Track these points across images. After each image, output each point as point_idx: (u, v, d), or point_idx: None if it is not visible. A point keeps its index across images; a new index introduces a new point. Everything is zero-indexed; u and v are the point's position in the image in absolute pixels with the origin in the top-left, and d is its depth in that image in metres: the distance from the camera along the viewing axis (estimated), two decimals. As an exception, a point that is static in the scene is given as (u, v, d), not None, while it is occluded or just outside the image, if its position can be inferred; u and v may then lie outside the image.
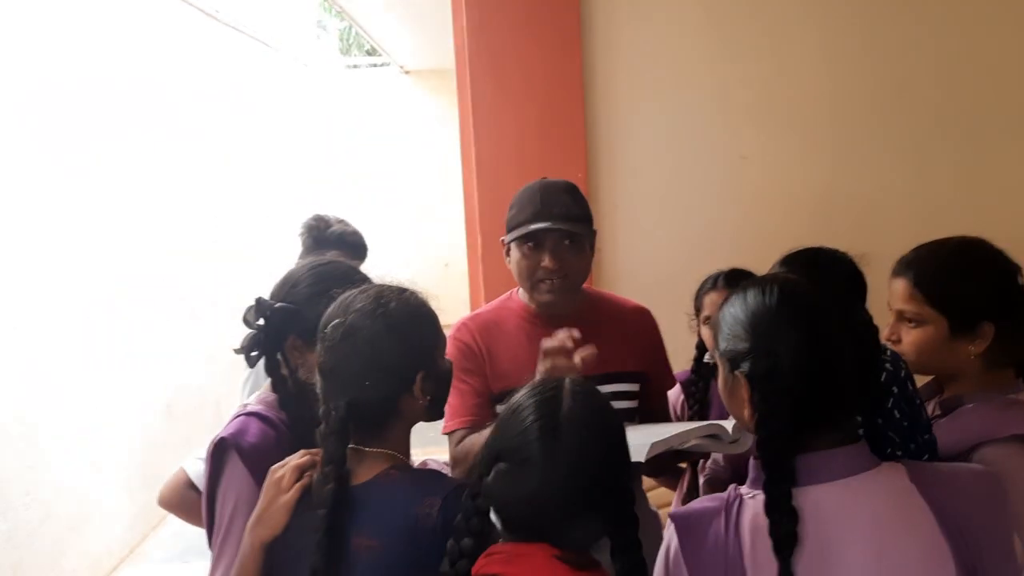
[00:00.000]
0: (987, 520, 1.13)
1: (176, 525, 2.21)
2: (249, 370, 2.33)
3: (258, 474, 1.41)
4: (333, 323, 1.35)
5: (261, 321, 1.51)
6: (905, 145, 2.58)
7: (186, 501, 1.98)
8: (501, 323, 1.94)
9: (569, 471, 1.12)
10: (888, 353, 1.54)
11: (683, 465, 2.09)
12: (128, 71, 4.51)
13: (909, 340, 1.54)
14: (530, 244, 1.83)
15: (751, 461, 1.19)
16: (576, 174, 2.65)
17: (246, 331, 1.53)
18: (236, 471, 1.46)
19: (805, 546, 1.09)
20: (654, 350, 2.02)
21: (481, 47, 2.68)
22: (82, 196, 3.99)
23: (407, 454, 1.40)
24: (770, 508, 1.10)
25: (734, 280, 2.05)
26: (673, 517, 1.19)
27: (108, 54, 4.33)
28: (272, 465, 1.39)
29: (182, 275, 4.96)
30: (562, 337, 1.66)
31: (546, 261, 1.81)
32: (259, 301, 1.52)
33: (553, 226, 1.80)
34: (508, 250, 1.90)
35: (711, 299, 2.15)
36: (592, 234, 1.91)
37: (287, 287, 1.57)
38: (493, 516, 1.18)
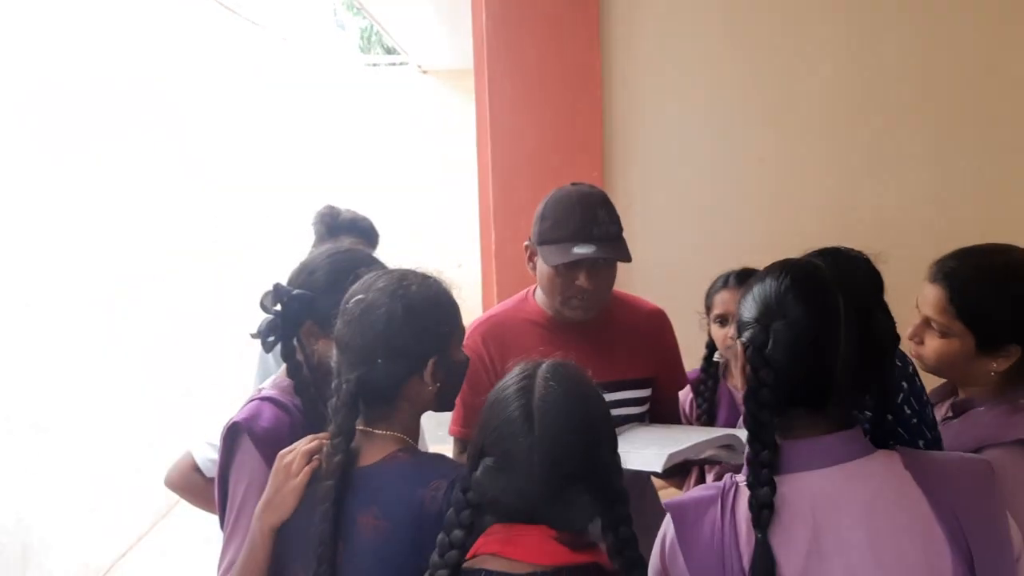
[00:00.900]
0: (980, 507, 1.14)
1: (186, 510, 2.23)
2: (260, 357, 2.35)
3: (270, 458, 1.42)
4: (355, 298, 1.38)
5: (278, 307, 1.52)
6: (926, 152, 2.57)
7: (190, 483, 2.00)
8: (515, 325, 1.93)
9: (549, 457, 1.13)
10: (897, 351, 1.54)
11: (694, 467, 2.09)
12: (143, 62, 4.54)
13: (932, 347, 1.53)
14: (566, 263, 1.79)
15: (747, 451, 1.20)
16: (592, 173, 2.66)
17: (262, 317, 1.54)
18: (248, 455, 1.47)
19: (799, 531, 1.11)
20: (666, 353, 2.02)
21: (500, 46, 2.69)
22: (106, 186, 4.02)
23: (416, 439, 1.41)
24: (750, 480, 1.13)
25: (745, 279, 2.05)
26: (669, 506, 1.21)
27: (122, 48, 4.36)
28: (281, 451, 1.40)
29: (199, 270, 4.99)
30: None
31: (582, 281, 1.79)
32: (276, 287, 1.54)
33: (598, 255, 1.77)
34: (531, 254, 1.88)
35: (722, 298, 2.16)
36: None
37: (305, 274, 1.58)
38: None
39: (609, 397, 1.84)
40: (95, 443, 3.91)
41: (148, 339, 4.47)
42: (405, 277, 1.40)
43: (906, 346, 1.58)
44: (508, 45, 2.69)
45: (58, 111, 3.82)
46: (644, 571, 1.17)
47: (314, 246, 2.54)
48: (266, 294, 1.53)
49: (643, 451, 1.67)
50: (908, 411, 1.50)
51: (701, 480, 2.05)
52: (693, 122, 2.69)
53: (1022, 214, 2.50)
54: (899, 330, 1.57)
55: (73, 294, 3.82)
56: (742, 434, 1.61)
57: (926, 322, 1.54)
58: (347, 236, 2.52)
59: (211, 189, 5.46)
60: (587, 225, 1.78)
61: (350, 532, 1.30)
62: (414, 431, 1.42)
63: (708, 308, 2.20)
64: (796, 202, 2.64)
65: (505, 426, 1.16)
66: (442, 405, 1.44)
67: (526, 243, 1.89)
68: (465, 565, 1.16)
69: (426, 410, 1.43)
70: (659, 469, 1.56)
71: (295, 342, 1.54)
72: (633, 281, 2.69)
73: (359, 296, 1.37)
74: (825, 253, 1.77)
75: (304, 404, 1.52)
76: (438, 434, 2.09)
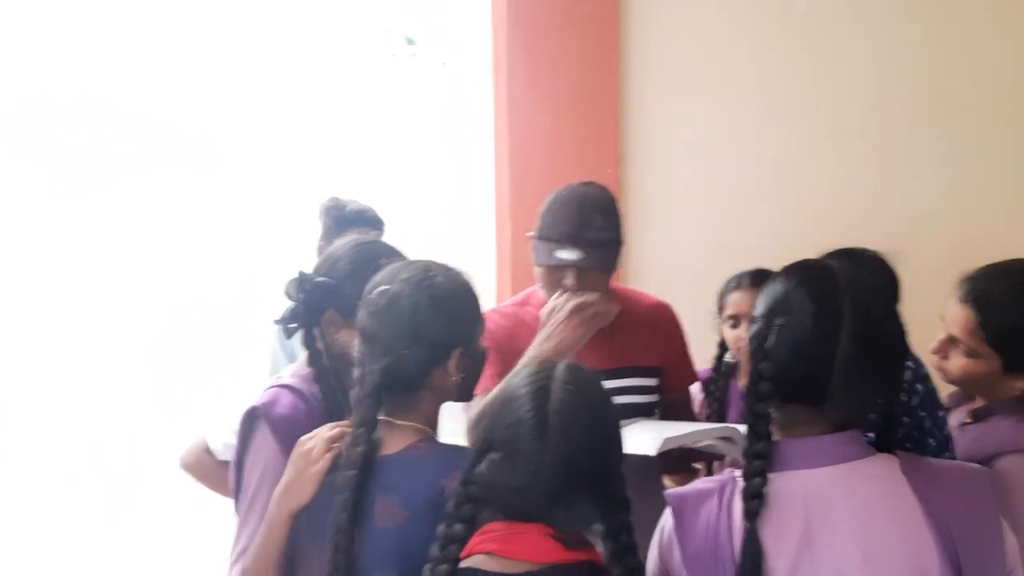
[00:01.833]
0: (974, 516, 1.15)
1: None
2: (273, 347, 2.37)
3: (286, 445, 1.43)
4: (379, 289, 1.38)
5: (301, 295, 1.53)
6: (943, 154, 2.57)
7: (202, 465, 2.03)
8: (523, 316, 1.97)
9: (559, 463, 1.13)
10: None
11: (698, 465, 2.11)
12: (149, 46, 4.53)
13: (957, 364, 1.54)
14: (555, 263, 1.83)
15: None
16: (606, 169, 2.66)
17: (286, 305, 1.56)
18: (264, 441, 1.48)
19: (791, 527, 1.12)
20: (672, 344, 2.04)
21: (518, 40, 2.69)
22: (113, 177, 4.02)
23: (435, 429, 1.43)
24: (745, 471, 1.14)
25: (758, 280, 2.06)
26: (669, 497, 1.22)
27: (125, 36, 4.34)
28: (301, 437, 1.41)
29: (207, 261, 5.00)
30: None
31: (568, 283, 1.82)
32: (301, 275, 1.55)
33: (583, 263, 1.80)
34: (535, 247, 1.90)
35: (734, 299, 2.16)
36: (622, 251, 1.92)
37: (329, 263, 1.59)
38: None
39: (614, 384, 1.88)
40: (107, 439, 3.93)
41: (158, 332, 4.48)
42: (430, 268, 1.41)
43: (928, 358, 1.59)
44: (526, 40, 2.69)
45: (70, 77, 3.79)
46: (642, 574, 1.18)
47: (321, 239, 2.55)
48: (290, 281, 1.55)
49: (640, 436, 1.69)
50: (923, 413, 1.51)
51: (709, 475, 2.07)
52: (709, 120, 2.69)
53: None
54: (915, 334, 1.60)
55: (79, 282, 3.83)
56: (743, 428, 1.64)
57: (951, 339, 1.54)
58: (354, 228, 2.52)
59: (223, 179, 5.46)
60: (579, 229, 1.81)
61: (368, 521, 1.31)
62: (434, 422, 1.43)
63: (720, 308, 2.21)
64: (811, 203, 2.64)
65: (518, 425, 1.16)
66: (464, 395, 1.45)
67: (529, 234, 1.92)
68: (461, 565, 1.16)
69: (447, 400, 1.44)
70: (653, 452, 1.58)
71: (316, 331, 1.55)
72: (646, 278, 2.71)
73: (384, 287, 1.38)
74: (841, 253, 1.79)
75: (323, 393, 1.53)
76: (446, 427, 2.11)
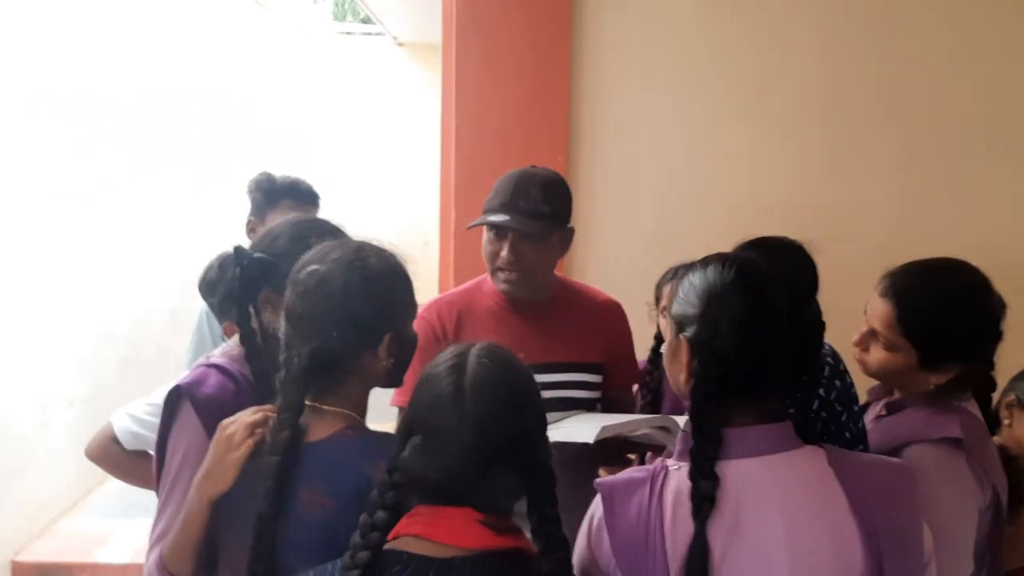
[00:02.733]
0: (896, 509, 1.17)
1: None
2: (196, 329, 2.29)
3: (211, 426, 1.37)
4: (308, 269, 1.33)
5: (237, 270, 1.47)
6: (890, 155, 2.61)
7: (109, 455, 1.94)
8: (471, 305, 1.97)
9: (478, 434, 1.12)
10: (828, 348, 1.57)
11: (632, 456, 2.12)
12: (109, 26, 4.39)
13: (876, 357, 1.57)
14: (494, 232, 1.87)
15: (679, 434, 1.23)
16: (556, 158, 2.65)
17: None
18: (188, 421, 1.43)
19: (722, 515, 1.13)
20: (619, 342, 2.06)
21: (469, 22, 2.66)
22: (55, 155, 3.87)
23: (364, 416, 1.38)
24: (693, 472, 1.14)
25: None
26: (599, 486, 1.22)
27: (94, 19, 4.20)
28: (223, 421, 1.36)
29: (150, 229, 4.85)
30: None
31: (504, 251, 1.85)
32: (237, 250, 1.49)
33: (508, 224, 1.83)
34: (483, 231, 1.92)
35: (671, 289, 2.16)
36: (565, 231, 1.93)
37: (268, 239, 1.53)
38: None
39: (559, 378, 1.92)
40: (41, 390, 3.78)
41: (109, 288, 4.33)
42: (362, 248, 1.36)
43: (850, 350, 1.61)
44: (478, 23, 2.66)
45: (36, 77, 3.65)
46: (567, 551, 1.17)
47: (251, 215, 2.49)
48: (224, 256, 1.49)
49: (579, 425, 1.71)
50: (839, 407, 1.54)
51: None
52: (661, 113, 2.70)
53: (988, 220, 2.55)
54: (846, 327, 1.62)
55: (32, 237, 3.67)
56: (680, 419, 1.65)
57: (872, 333, 1.57)
58: (287, 200, 2.45)
59: (187, 148, 5.30)
60: (514, 198, 1.83)
61: (292, 509, 1.27)
62: (363, 407, 1.38)
63: (657, 299, 2.21)
64: (761, 199, 2.65)
65: (435, 402, 1.14)
66: (393, 381, 1.40)
67: (469, 225, 1.93)
68: (387, 547, 1.14)
69: (376, 386, 1.40)
70: (591, 440, 1.60)
71: (251, 309, 1.49)
72: (591, 270, 2.70)
73: (313, 266, 1.33)
74: (758, 244, 1.82)
75: (254, 374, 1.47)
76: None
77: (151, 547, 1.42)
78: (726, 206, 2.67)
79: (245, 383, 1.48)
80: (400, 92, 7.94)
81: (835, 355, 1.54)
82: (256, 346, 1.48)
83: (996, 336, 1.54)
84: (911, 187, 2.60)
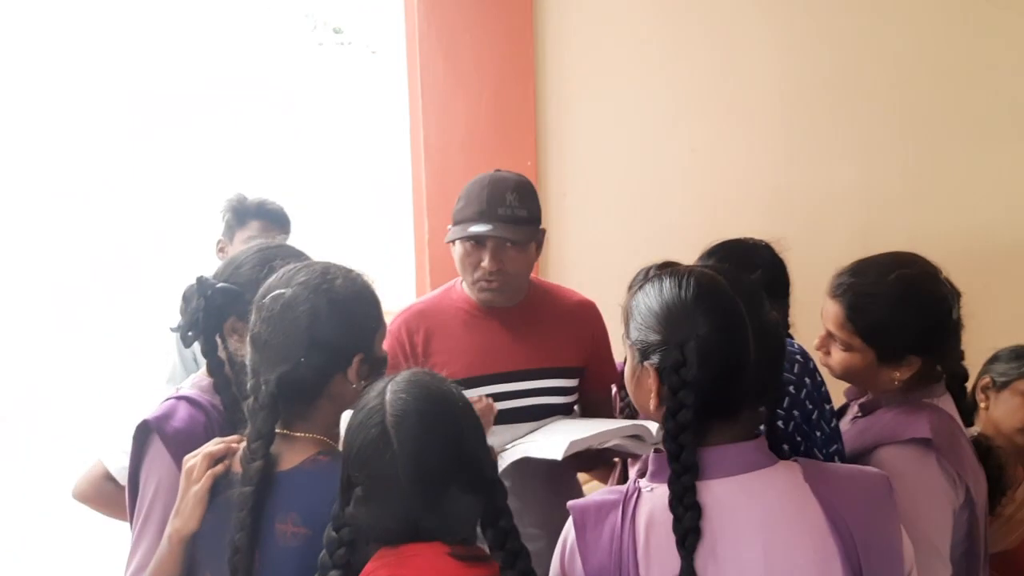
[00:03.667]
0: (875, 522, 1.16)
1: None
2: (172, 355, 2.27)
3: (182, 460, 1.36)
4: (273, 293, 1.32)
5: (201, 300, 1.46)
6: (854, 139, 2.61)
7: (104, 494, 1.92)
8: (440, 312, 1.94)
9: (414, 465, 1.11)
10: (797, 346, 1.57)
11: (616, 460, 2.11)
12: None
13: (837, 359, 1.57)
14: (472, 242, 1.83)
15: (651, 454, 1.19)
16: (525, 162, 2.65)
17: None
18: (158, 456, 1.42)
19: (700, 538, 1.11)
20: (596, 343, 2.02)
21: (433, 33, 2.65)
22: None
23: (337, 440, 1.37)
24: (674, 503, 1.11)
25: None
26: (571, 508, 1.19)
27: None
28: (186, 456, 1.35)
29: (122, 244, 4.81)
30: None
31: (486, 262, 1.81)
32: (200, 280, 1.48)
33: (493, 233, 1.79)
34: (454, 241, 1.88)
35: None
36: (539, 233, 1.91)
37: (231, 268, 1.53)
38: None
39: (531, 385, 1.90)
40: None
41: (55, 338, 4.29)
42: (328, 271, 1.35)
43: (816, 354, 1.62)
44: (441, 33, 2.66)
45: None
46: (527, 563, 1.16)
47: (223, 235, 2.48)
48: (188, 287, 1.48)
49: (547, 439, 1.68)
50: (810, 405, 1.53)
51: (624, 475, 2.06)
52: (627, 111, 2.69)
53: (948, 205, 2.55)
54: (818, 323, 1.62)
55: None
56: (652, 425, 1.63)
57: (829, 335, 1.57)
58: (255, 220, 2.44)
59: (125, 175, 5.25)
60: (491, 206, 1.80)
61: (268, 540, 1.26)
62: (335, 432, 1.37)
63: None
64: (729, 192, 2.66)
65: (365, 449, 1.14)
66: None
67: (449, 228, 1.90)
68: None
69: (347, 409, 1.37)
70: (559, 456, 1.58)
71: (217, 338, 1.49)
72: (565, 271, 2.70)
73: (279, 290, 1.32)
74: (726, 248, 1.82)
75: (225, 404, 1.47)
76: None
77: (126, 583, 1.42)
78: (695, 200, 2.68)
79: (216, 414, 1.47)
80: (374, 99, 7.89)
81: (804, 353, 1.54)
82: (224, 376, 1.47)
83: (951, 326, 1.54)
84: (875, 175, 2.60)
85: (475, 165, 2.41)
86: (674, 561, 1.11)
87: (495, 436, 1.58)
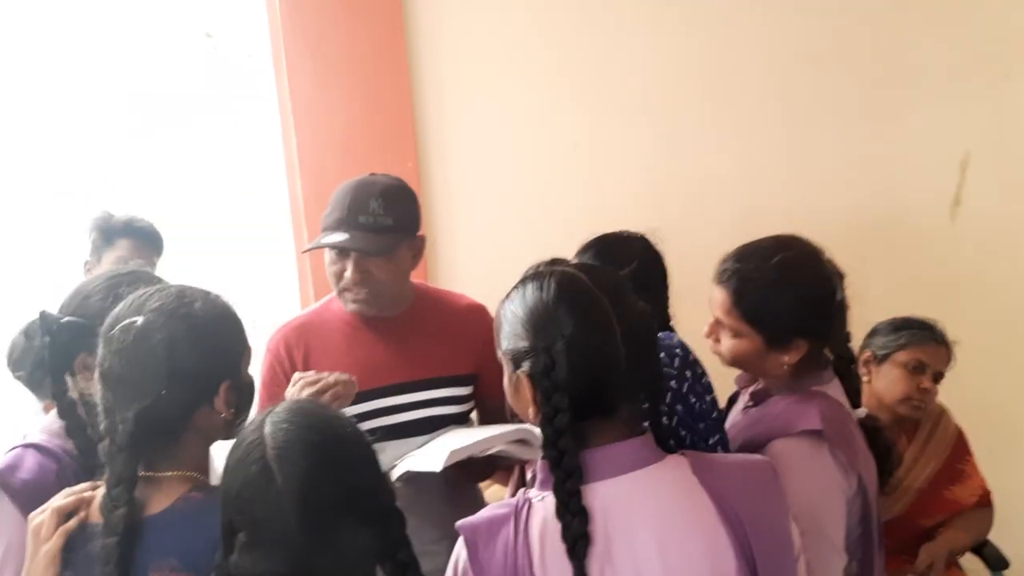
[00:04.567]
0: (763, 508, 1.16)
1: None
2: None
3: None
4: (123, 324, 1.20)
5: (47, 338, 1.34)
6: (731, 127, 2.63)
7: None
8: (321, 326, 1.86)
9: (301, 501, 1.03)
10: (676, 339, 1.57)
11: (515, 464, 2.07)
12: None
13: (727, 346, 1.57)
14: (336, 252, 1.75)
15: (539, 463, 1.17)
16: (406, 164, 2.57)
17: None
18: (4, 512, 1.30)
19: (591, 545, 1.09)
20: (487, 348, 1.94)
21: (296, 28, 2.55)
22: None
23: (207, 473, 1.27)
24: (560, 510, 1.09)
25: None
26: (461, 528, 1.16)
27: None
28: (31, 513, 1.23)
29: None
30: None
31: (349, 272, 1.74)
32: (43, 315, 1.36)
33: (348, 244, 1.71)
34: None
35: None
36: (415, 240, 1.83)
37: (78, 298, 1.41)
38: None
39: (422, 396, 1.83)
40: None
41: None
42: (183, 293, 1.25)
43: (703, 329, 1.62)
44: (305, 30, 2.55)
45: None
46: None
47: (90, 256, 2.32)
48: (31, 323, 1.36)
49: (427, 451, 1.62)
50: (692, 398, 1.52)
51: (522, 477, 2.03)
52: (505, 109, 2.65)
53: (824, 189, 2.60)
54: (702, 313, 1.62)
55: None
56: (536, 429, 1.59)
57: (718, 322, 1.58)
58: (124, 239, 2.30)
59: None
60: (352, 213, 1.73)
61: None
62: (204, 465, 1.28)
63: None
64: (613, 185, 2.66)
65: (246, 489, 1.05)
66: (233, 432, 1.28)
67: (305, 249, 1.85)
68: None
69: (216, 439, 1.29)
70: (438, 468, 1.52)
71: (67, 377, 1.36)
72: (456, 275, 2.65)
73: (128, 320, 1.21)
74: (600, 243, 1.81)
75: (79, 448, 1.35)
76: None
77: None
78: (582, 194, 2.66)
79: (69, 460, 1.36)
80: (245, 110, 7.65)
81: (683, 346, 1.53)
82: (77, 418, 1.36)
83: (836, 307, 1.56)
84: (751, 160, 2.64)
85: (352, 169, 2.31)
86: (570, 569, 1.08)
87: (385, 453, 1.51)
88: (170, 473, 1.22)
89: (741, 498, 1.15)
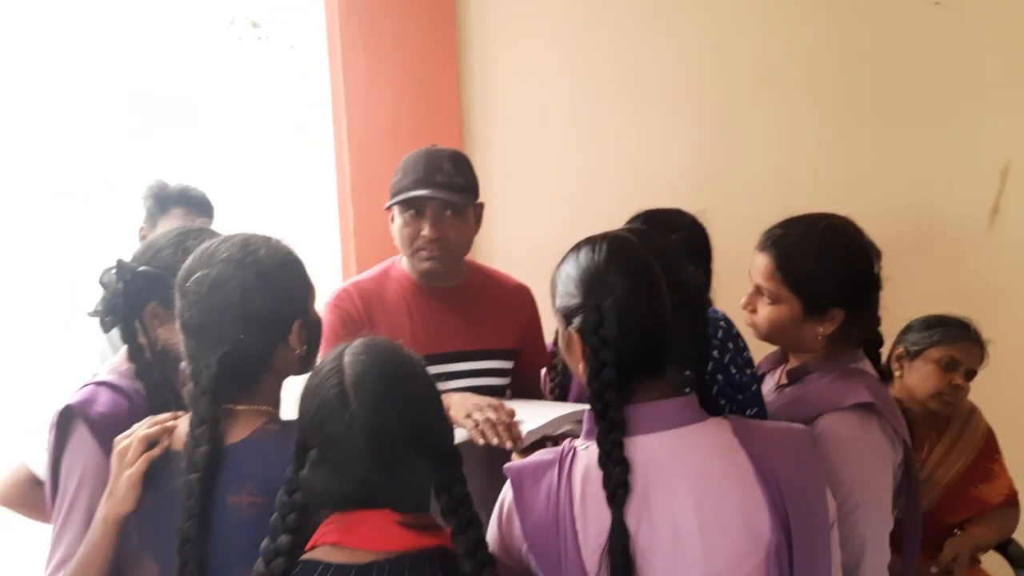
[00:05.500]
0: (800, 474, 1.20)
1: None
2: (101, 343, 2.19)
3: (108, 446, 1.32)
4: (196, 276, 1.28)
5: (120, 285, 1.42)
6: (772, 123, 2.66)
7: (31, 498, 1.84)
8: (381, 292, 1.93)
9: (372, 426, 1.10)
10: (720, 312, 1.61)
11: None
12: None
13: (763, 315, 1.61)
14: (412, 211, 1.84)
15: (586, 413, 1.22)
16: (451, 149, 2.64)
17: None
18: (82, 442, 1.37)
19: (630, 495, 1.14)
20: (530, 327, 2.06)
21: (352, 17, 2.62)
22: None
23: (279, 408, 1.35)
24: (603, 459, 1.14)
25: None
26: (508, 470, 1.21)
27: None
28: (116, 437, 1.31)
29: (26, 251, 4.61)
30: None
31: (426, 229, 1.82)
32: (120, 263, 1.43)
33: (432, 194, 1.80)
34: (393, 216, 1.89)
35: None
36: (477, 206, 1.92)
37: (151, 251, 1.48)
38: None
39: (473, 366, 1.92)
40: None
41: None
42: (248, 243, 1.32)
43: (742, 320, 1.66)
44: (362, 22, 2.63)
45: None
46: (479, 531, 1.17)
47: (144, 222, 2.41)
48: (106, 271, 1.43)
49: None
50: (734, 369, 1.57)
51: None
52: (549, 97, 2.71)
53: (862, 185, 2.61)
54: (738, 296, 1.66)
55: None
56: None
57: (757, 290, 1.61)
58: (177, 207, 2.38)
59: (44, 164, 5.04)
60: (429, 173, 1.82)
61: (221, 519, 1.23)
62: (277, 401, 1.35)
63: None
64: (651, 176, 2.69)
65: (322, 410, 1.12)
66: (307, 367, 1.36)
67: (387, 204, 1.90)
68: (303, 557, 1.12)
69: (290, 375, 1.36)
70: (517, 450, 1.58)
71: (137, 323, 1.44)
72: (495, 256, 2.69)
73: (201, 272, 1.28)
74: (650, 215, 1.86)
75: (147, 390, 1.43)
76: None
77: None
78: (619, 185, 2.70)
79: (139, 399, 1.43)
80: (293, 96, 7.76)
81: (727, 319, 1.58)
82: (146, 362, 1.43)
83: (873, 280, 1.59)
84: (790, 153, 2.66)
85: (400, 154, 2.40)
86: (609, 515, 1.13)
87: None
88: (247, 407, 1.29)
89: (780, 462, 1.18)
